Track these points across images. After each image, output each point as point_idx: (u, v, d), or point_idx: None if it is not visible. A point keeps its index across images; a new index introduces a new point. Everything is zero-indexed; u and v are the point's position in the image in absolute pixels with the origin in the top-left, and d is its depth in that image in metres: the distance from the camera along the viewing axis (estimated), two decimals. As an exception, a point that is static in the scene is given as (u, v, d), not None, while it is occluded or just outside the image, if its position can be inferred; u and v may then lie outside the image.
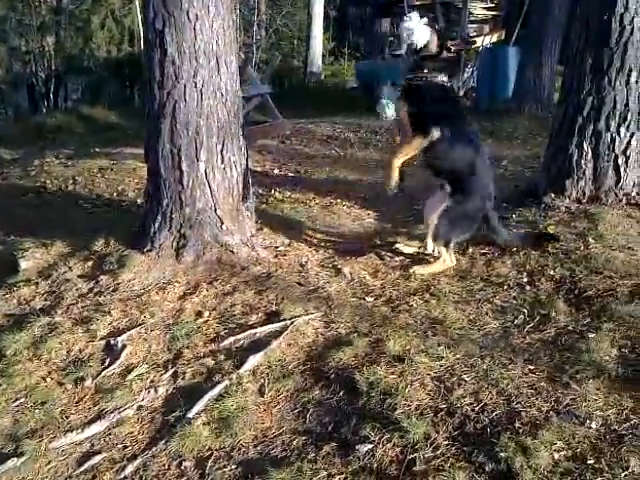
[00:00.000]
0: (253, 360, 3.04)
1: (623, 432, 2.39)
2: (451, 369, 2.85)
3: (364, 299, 3.61)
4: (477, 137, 4.04)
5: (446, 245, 3.85)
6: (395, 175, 3.79)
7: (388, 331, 3.19)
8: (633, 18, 4.27)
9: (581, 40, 4.53)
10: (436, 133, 3.65)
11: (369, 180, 6.25)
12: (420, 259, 4.06)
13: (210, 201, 4.03)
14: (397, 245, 4.20)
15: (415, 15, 3.56)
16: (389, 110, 4.18)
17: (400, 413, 2.58)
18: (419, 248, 4.13)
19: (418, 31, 3.52)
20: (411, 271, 3.85)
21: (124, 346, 3.24)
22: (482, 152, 3.89)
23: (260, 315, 3.47)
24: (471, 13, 12.61)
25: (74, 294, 3.79)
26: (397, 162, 3.78)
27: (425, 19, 3.58)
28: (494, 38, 13.35)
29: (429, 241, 3.92)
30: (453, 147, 3.75)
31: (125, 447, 2.64)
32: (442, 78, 3.69)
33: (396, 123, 4.01)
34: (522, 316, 3.31)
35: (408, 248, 4.18)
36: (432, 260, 3.98)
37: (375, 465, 2.38)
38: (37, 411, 2.83)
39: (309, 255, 4.21)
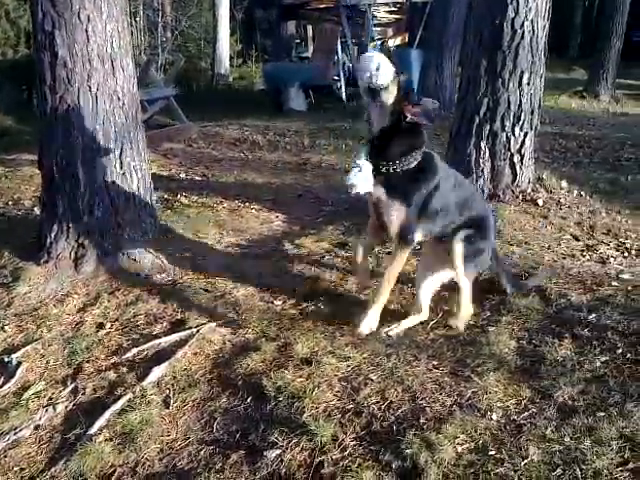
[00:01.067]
0: (157, 371, 2.96)
1: (522, 422, 2.48)
2: (358, 369, 2.87)
3: (272, 303, 3.59)
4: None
5: (471, 280, 3.23)
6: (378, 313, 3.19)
7: (296, 334, 3.18)
8: (523, 22, 4.46)
9: (475, 43, 4.70)
10: (419, 236, 3.11)
11: (277, 183, 6.24)
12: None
13: (109, 208, 3.91)
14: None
15: (377, 53, 2.91)
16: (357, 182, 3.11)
17: (308, 416, 2.58)
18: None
19: (383, 67, 2.75)
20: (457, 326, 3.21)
21: (19, 363, 3.08)
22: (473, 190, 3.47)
23: (165, 324, 3.38)
24: (375, 16, 12.84)
25: (-36, 311, 3.57)
26: (385, 297, 3.18)
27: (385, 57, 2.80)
28: (397, 41, 13.66)
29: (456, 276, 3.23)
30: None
31: (22, 469, 2.50)
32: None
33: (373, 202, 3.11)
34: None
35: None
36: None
37: (284, 470, 2.36)
38: None
39: (216, 260, 4.14)
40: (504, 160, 4.66)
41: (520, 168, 4.67)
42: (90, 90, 3.75)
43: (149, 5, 17.90)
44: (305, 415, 2.59)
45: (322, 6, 13.64)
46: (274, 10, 16.34)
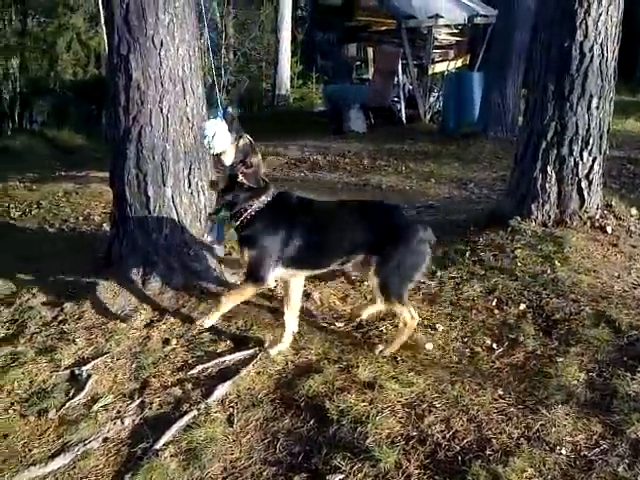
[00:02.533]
0: (222, 389, 2.99)
1: (593, 458, 2.41)
2: (422, 396, 2.84)
3: (334, 325, 3.59)
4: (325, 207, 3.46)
5: (400, 301, 3.21)
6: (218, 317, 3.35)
7: (358, 357, 3.18)
8: (593, 46, 4.37)
9: (542, 67, 4.62)
10: (275, 275, 3.26)
11: (338, 203, 6.26)
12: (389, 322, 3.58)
13: (177, 226, 3.99)
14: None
15: (219, 120, 3.13)
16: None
17: (371, 442, 2.56)
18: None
19: (219, 135, 3.05)
20: (377, 352, 3.23)
21: (89, 376, 3.16)
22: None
23: (229, 342, 3.42)
24: (436, 39, 12.82)
25: (38, 322, 3.71)
26: (228, 307, 3.32)
27: (225, 126, 3.09)
28: (459, 63, 13.60)
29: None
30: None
31: (90, 481, 2.56)
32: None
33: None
34: (491, 340, 3.31)
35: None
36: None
37: (347, 496, 2.35)
38: (-2, 445, 2.74)
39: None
40: (571, 185, 4.55)
41: (588, 194, 4.55)
42: (162, 111, 3.86)
43: (213, 27, 18.34)
44: (368, 440, 2.57)
45: (383, 28, 13.73)
46: (334, 32, 16.53)
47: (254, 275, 3.21)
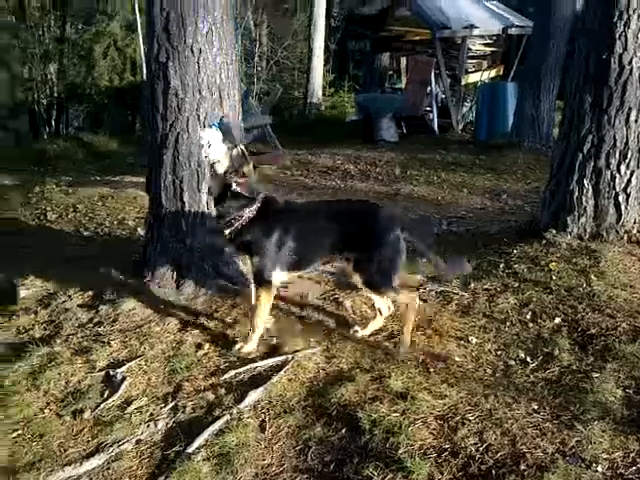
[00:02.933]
0: (254, 395, 3.01)
1: (630, 476, 2.37)
2: (454, 408, 2.82)
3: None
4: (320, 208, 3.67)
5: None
6: (259, 337, 3.46)
7: (390, 367, 3.17)
8: (632, 58, 4.32)
9: (580, 78, 4.57)
10: (277, 277, 3.39)
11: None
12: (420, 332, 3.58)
13: (211, 232, 4.03)
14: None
15: (214, 129, 3.26)
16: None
17: (403, 452, 2.55)
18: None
19: (214, 144, 3.18)
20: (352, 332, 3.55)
21: (124, 378, 3.20)
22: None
23: (261, 348, 3.44)
24: (470, 49, 12.75)
25: (73, 324, 3.77)
26: (261, 323, 3.43)
27: (220, 135, 3.21)
28: (492, 74, 13.51)
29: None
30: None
31: (123, 483, 2.59)
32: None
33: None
34: (525, 354, 3.28)
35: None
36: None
37: (378, 506, 2.34)
38: (35, 443, 2.79)
39: (310, 287, 4.19)
40: (608, 199, 4.49)
41: (625, 208, 4.49)
42: (199, 118, 3.91)
43: (247, 36, 18.51)
44: (400, 451, 2.56)
45: (417, 38, 13.72)
46: (367, 42, 16.56)
47: (263, 279, 3.34)
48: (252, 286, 3.46)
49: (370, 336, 3.55)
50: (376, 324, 3.60)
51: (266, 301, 3.39)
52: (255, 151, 8.78)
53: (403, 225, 3.39)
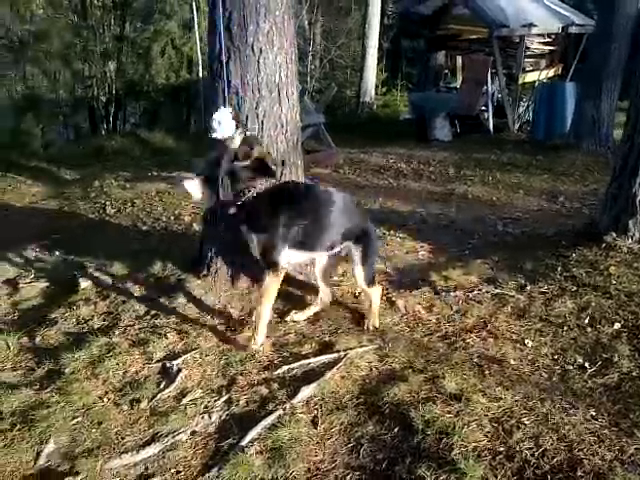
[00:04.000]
0: (307, 390, 3.03)
1: (691, 487, 2.30)
2: (509, 411, 2.78)
3: (419, 333, 3.57)
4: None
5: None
6: (265, 327, 3.45)
7: (444, 368, 3.15)
8: (702, 57, 4.18)
9: (647, 78, 4.46)
10: (285, 260, 3.40)
11: (422, 212, 6.22)
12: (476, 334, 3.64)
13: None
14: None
15: (223, 108, 3.39)
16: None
17: (457, 454, 2.53)
18: None
19: (225, 123, 3.32)
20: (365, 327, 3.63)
21: (179, 370, 3.27)
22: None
23: (314, 345, 3.46)
24: (528, 48, 12.49)
25: (131, 315, 3.86)
26: (267, 310, 3.44)
27: (230, 114, 3.35)
28: (551, 73, 13.23)
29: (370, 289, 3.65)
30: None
31: (178, 472, 2.64)
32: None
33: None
34: (583, 359, 3.21)
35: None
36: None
37: (431, 507, 2.33)
38: (93, 430, 2.87)
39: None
40: (672, 203, 4.36)
41: (689, 212, 4.34)
42: (257, 117, 3.94)
43: (301, 35, 18.60)
44: (454, 452, 2.54)
45: (474, 37, 13.54)
46: (421, 40, 16.42)
47: (270, 260, 3.38)
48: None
49: (424, 337, 3.53)
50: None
51: (273, 285, 3.41)
52: (309, 150, 8.85)
53: None
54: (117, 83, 16.81)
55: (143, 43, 16.70)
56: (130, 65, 17.00)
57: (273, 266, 3.36)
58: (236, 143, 3.34)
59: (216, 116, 3.34)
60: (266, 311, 3.44)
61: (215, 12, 3.86)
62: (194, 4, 11.96)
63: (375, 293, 3.68)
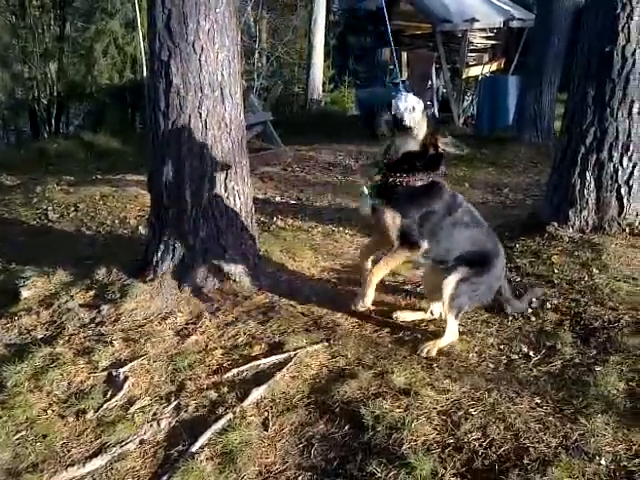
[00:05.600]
0: (257, 393, 3.00)
1: (633, 468, 2.36)
2: (458, 403, 2.81)
3: (368, 330, 3.58)
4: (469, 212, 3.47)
5: (457, 315, 3.34)
6: (372, 293, 3.38)
7: (393, 363, 3.16)
8: (635, 50, 4.31)
9: (582, 71, 4.56)
10: (425, 245, 3.27)
11: (371, 208, 6.23)
12: (423, 327, 3.61)
13: (213, 230, 4.03)
14: (396, 314, 3.67)
15: (411, 95, 3.18)
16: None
17: (407, 448, 2.55)
18: (425, 313, 3.71)
19: (416, 109, 3.09)
20: (423, 354, 3.26)
21: (126, 377, 3.20)
22: (483, 225, 3.48)
23: (263, 346, 3.44)
24: (471, 42, 12.73)
25: (76, 324, 3.76)
26: (377, 278, 3.37)
27: (421, 103, 3.14)
28: (493, 67, 13.48)
29: (442, 307, 3.40)
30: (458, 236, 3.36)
31: (127, 483, 2.59)
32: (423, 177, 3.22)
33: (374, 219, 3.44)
34: (528, 348, 3.27)
35: (410, 316, 3.70)
36: (439, 333, 3.42)
37: (382, 503, 2.34)
38: (38, 444, 2.79)
39: (312, 284, 4.19)
40: (610, 192, 4.48)
41: (628, 200, 4.47)
42: (200, 116, 3.89)
43: (247, 32, 18.48)
44: (404, 447, 2.56)
45: (418, 32, 13.69)
46: (367, 36, 16.52)
47: (409, 240, 3.27)
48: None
49: (373, 332, 3.54)
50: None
51: (400, 259, 3.38)
52: (257, 148, 8.81)
53: None
54: (59, 85, 16.40)
55: (85, 43, 16.31)
56: (72, 66, 16.60)
57: (412, 246, 3.28)
58: (422, 128, 3.13)
59: (407, 104, 3.09)
60: (379, 276, 3.39)
61: (154, 10, 3.80)
62: (136, 2, 11.75)
63: (451, 327, 3.34)
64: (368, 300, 3.40)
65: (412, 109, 3.08)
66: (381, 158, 3.31)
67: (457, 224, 3.33)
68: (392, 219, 3.25)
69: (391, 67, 14.80)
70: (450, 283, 3.27)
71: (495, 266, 3.39)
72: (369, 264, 3.56)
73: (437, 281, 3.38)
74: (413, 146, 3.16)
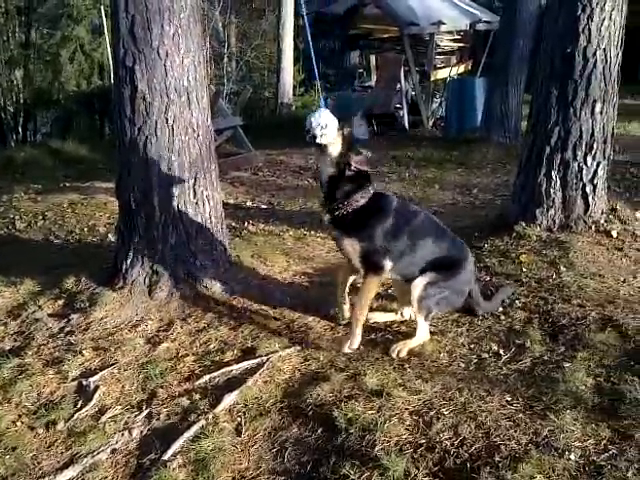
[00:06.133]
0: (229, 399, 2.99)
1: (602, 463, 2.40)
2: (429, 403, 2.83)
3: (340, 333, 3.59)
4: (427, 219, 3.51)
5: (427, 317, 3.36)
6: (361, 332, 3.35)
7: (365, 365, 3.18)
8: (596, 51, 4.39)
9: (546, 72, 4.64)
10: (388, 264, 3.29)
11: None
12: (395, 329, 3.63)
13: (183, 236, 4.01)
14: (371, 315, 3.62)
15: (324, 109, 3.18)
16: None
17: (380, 450, 2.56)
18: (395, 315, 3.73)
19: (329, 126, 3.05)
20: (394, 355, 3.27)
21: (97, 387, 3.17)
22: (441, 230, 3.51)
23: (235, 352, 3.43)
24: (438, 45, 12.83)
25: (44, 334, 3.72)
26: (362, 317, 3.36)
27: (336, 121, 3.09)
28: (461, 69, 13.61)
29: (412, 309, 3.44)
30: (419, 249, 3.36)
31: (99, 493, 2.56)
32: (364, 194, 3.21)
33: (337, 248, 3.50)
34: (497, 346, 3.31)
35: (382, 317, 3.72)
36: (410, 334, 3.44)
37: (356, 505, 2.35)
38: (7, 457, 2.74)
39: (284, 288, 4.18)
40: (576, 190, 4.56)
41: (593, 198, 4.56)
42: (167, 122, 3.87)
43: (215, 37, 18.42)
44: (377, 448, 2.57)
45: (386, 36, 13.78)
46: (336, 40, 16.57)
47: (373, 265, 3.28)
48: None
49: (345, 334, 3.55)
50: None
51: (374, 288, 3.35)
52: (227, 153, 8.79)
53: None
54: (25, 92, 16.20)
55: (51, 49, 16.14)
56: (38, 73, 16.42)
57: (377, 270, 3.29)
58: (337, 146, 3.10)
59: (320, 120, 3.04)
60: (364, 314, 3.37)
61: (118, 16, 3.78)
62: (102, 8, 11.64)
63: (422, 329, 3.35)
64: (357, 341, 3.35)
65: (325, 126, 3.04)
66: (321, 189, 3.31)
67: (415, 232, 3.34)
68: (351, 247, 3.27)
69: (360, 71, 14.92)
70: (418, 285, 3.30)
71: (464, 269, 3.42)
72: (345, 289, 3.62)
73: (407, 285, 3.40)
74: (330, 166, 3.15)
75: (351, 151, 3.10)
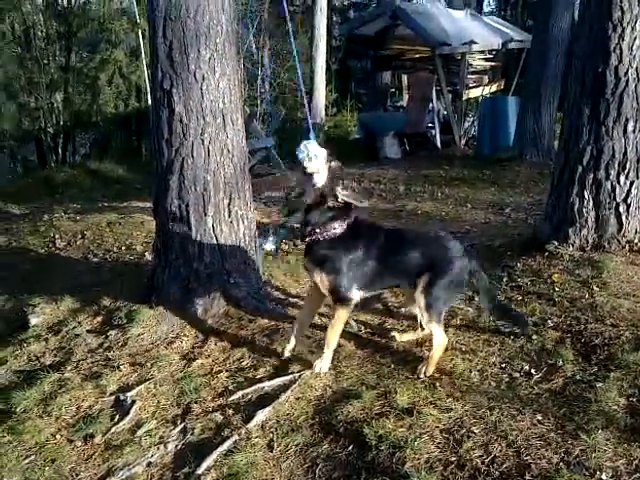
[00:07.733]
0: (262, 414, 3.05)
1: (634, 483, 2.39)
2: (460, 421, 2.84)
3: (370, 350, 3.62)
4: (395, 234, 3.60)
5: (439, 320, 3.34)
6: (331, 356, 3.43)
7: (396, 383, 3.20)
8: (627, 70, 4.38)
9: (577, 91, 4.64)
10: (355, 295, 3.34)
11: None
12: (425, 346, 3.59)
13: (217, 255, 4.10)
14: (395, 335, 3.70)
15: (314, 142, 3.26)
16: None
17: (410, 467, 2.58)
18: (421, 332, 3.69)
19: (316, 157, 3.15)
20: (422, 375, 3.27)
21: (133, 402, 3.25)
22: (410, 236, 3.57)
23: (268, 368, 3.48)
24: (470, 64, 12.88)
25: (83, 349, 3.83)
26: (333, 344, 3.42)
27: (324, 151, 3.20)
28: (493, 88, 13.62)
29: (422, 318, 3.43)
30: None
31: (135, 505, 2.63)
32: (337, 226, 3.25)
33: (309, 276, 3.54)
34: (529, 366, 3.31)
35: (408, 336, 3.72)
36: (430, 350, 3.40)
37: (386, 521, 2.37)
38: (47, 469, 2.85)
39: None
40: (609, 210, 4.53)
41: (626, 218, 4.52)
42: (203, 143, 3.99)
43: (249, 58, 18.72)
44: (407, 466, 2.59)
45: (417, 56, 13.87)
46: (369, 60, 16.72)
47: (341, 297, 3.32)
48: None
49: (376, 353, 3.58)
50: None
51: (344, 316, 3.39)
52: (260, 173, 8.91)
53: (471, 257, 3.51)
54: (65, 114, 16.58)
55: (90, 73, 16.52)
56: (77, 95, 16.80)
57: (344, 301, 3.34)
58: (323, 176, 3.19)
59: (310, 150, 3.16)
60: (335, 342, 3.42)
61: (156, 41, 3.92)
62: (139, 32, 11.94)
63: (437, 335, 3.35)
64: (327, 365, 3.40)
65: (315, 156, 3.14)
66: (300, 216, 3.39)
67: (390, 252, 3.37)
68: (319, 277, 3.32)
69: (392, 90, 15.01)
70: (420, 294, 3.32)
71: (452, 262, 3.38)
72: (304, 329, 3.63)
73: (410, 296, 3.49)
74: (313, 193, 3.22)
75: (337, 183, 3.18)
